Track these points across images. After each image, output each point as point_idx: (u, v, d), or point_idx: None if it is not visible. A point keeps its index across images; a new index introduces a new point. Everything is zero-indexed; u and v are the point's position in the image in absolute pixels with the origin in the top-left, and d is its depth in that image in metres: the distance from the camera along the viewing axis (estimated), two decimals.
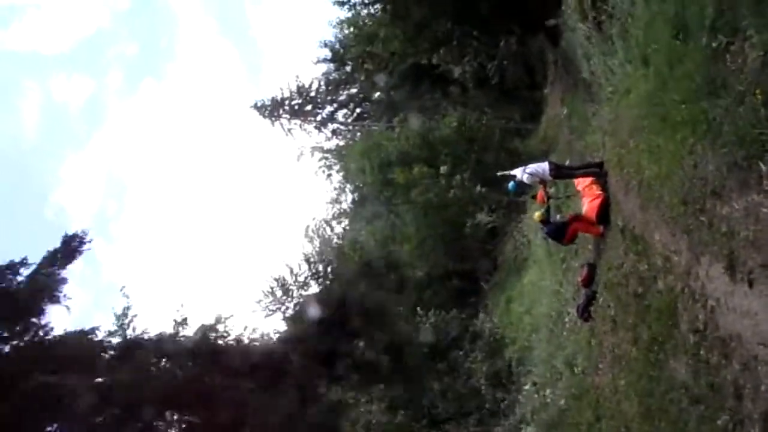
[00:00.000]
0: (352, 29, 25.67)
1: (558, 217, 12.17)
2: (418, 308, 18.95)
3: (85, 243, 13.98)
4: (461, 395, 15.48)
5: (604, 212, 9.76)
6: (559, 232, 10.87)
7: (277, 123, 32.33)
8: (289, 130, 32.58)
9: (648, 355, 6.57)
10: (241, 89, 74.88)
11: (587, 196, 10.42)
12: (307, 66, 75.07)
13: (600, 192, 10.05)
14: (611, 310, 8.73)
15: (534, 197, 11.81)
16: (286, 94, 32.10)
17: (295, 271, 25.67)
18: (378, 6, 19.52)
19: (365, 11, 21.50)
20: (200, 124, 77.19)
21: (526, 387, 13.62)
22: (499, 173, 12.57)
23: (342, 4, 21.71)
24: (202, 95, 76.84)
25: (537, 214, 10.87)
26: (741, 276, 4.42)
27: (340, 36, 29.50)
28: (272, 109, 31.93)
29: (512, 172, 11.19)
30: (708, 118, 5.34)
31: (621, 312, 8.17)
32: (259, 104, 31.98)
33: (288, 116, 32.22)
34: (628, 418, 7.05)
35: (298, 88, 32.24)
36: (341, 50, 30.67)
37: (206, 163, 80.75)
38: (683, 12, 6.30)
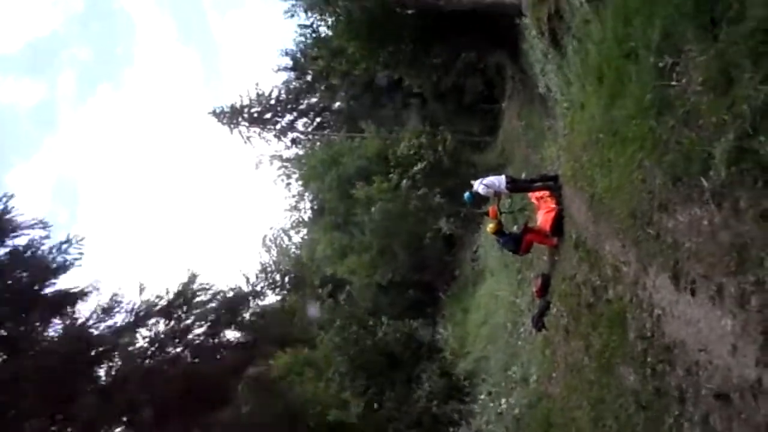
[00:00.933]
0: (313, 42, 25.64)
1: (515, 228, 12.42)
2: (374, 318, 19.01)
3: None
4: (417, 404, 15.55)
5: (558, 224, 10.01)
6: (515, 243, 11.08)
7: (235, 130, 32.01)
8: (248, 137, 32.31)
9: (599, 362, 6.74)
10: (201, 96, 74.01)
11: (542, 209, 10.67)
12: (267, 74, 74.75)
13: (554, 205, 10.31)
14: (564, 320, 8.93)
15: (487, 214, 12.02)
16: (246, 102, 31.88)
17: (251, 281, 25.33)
18: (334, 19, 19.56)
19: (323, 25, 21.59)
20: (158, 131, 75.76)
21: (482, 396, 13.77)
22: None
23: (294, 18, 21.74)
24: (160, 101, 75.57)
25: (491, 226, 11.07)
26: (684, 285, 4.60)
27: (301, 45, 29.41)
28: (231, 116, 31.61)
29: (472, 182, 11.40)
30: (655, 135, 5.56)
31: (573, 321, 8.36)
32: (217, 111, 31.63)
33: (247, 124, 31.95)
34: (579, 425, 7.21)
35: (258, 95, 32.06)
36: (302, 59, 30.62)
37: (163, 171, 79.15)
38: (632, 31, 6.55)
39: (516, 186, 11.27)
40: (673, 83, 5.26)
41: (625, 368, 5.91)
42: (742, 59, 3.81)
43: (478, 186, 11.07)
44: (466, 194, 11.43)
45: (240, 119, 31.93)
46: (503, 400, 11.89)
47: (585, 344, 7.55)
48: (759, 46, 3.60)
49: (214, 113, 31.78)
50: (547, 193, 10.68)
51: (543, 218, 10.50)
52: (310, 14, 21.38)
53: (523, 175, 13.74)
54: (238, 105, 31.90)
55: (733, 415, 3.72)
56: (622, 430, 5.71)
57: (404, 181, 20.18)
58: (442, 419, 14.49)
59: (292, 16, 21.26)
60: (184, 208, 78.23)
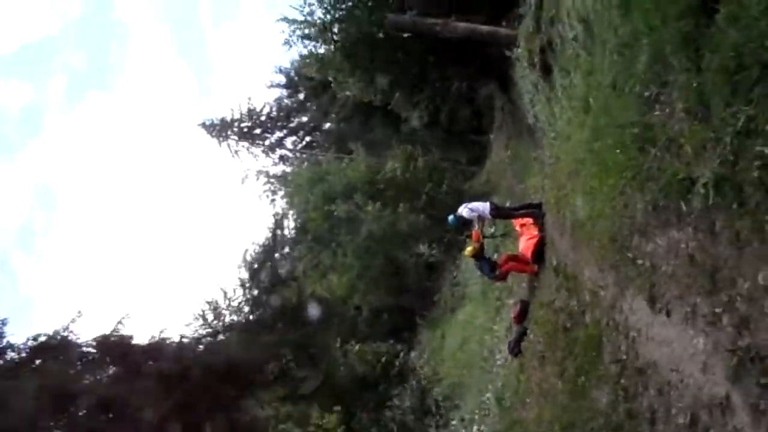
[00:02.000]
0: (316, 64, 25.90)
1: (495, 256, 12.50)
2: (350, 341, 18.89)
3: None
4: (389, 428, 15.40)
5: (539, 251, 10.13)
6: (491, 269, 11.15)
7: (224, 143, 32.04)
8: (236, 151, 32.33)
9: (573, 387, 6.76)
10: (192, 108, 74.01)
11: (524, 235, 10.79)
12: (260, 90, 75.11)
13: (536, 232, 10.44)
14: (541, 346, 8.97)
15: (470, 236, 12.14)
16: (236, 116, 31.98)
17: (229, 295, 25.05)
18: (331, 47, 19.87)
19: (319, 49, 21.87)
20: (146, 141, 75.49)
21: (454, 422, 13.69)
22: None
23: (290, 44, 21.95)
24: (150, 111, 75.50)
25: (469, 249, 11.15)
26: (660, 307, 4.67)
27: (296, 64, 29.68)
28: (221, 129, 31.68)
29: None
30: (638, 163, 5.70)
31: (550, 347, 8.40)
32: (207, 123, 31.68)
33: (236, 138, 32.01)
34: None
35: (249, 110, 32.21)
36: (296, 77, 30.89)
37: (148, 181, 78.67)
38: (620, 62, 6.76)
39: (499, 212, 11.43)
40: (657, 112, 5.43)
41: (598, 391, 5.94)
42: (722, 87, 3.95)
43: (463, 210, 11.23)
44: (450, 217, 11.59)
45: (229, 133, 32.00)
46: (475, 427, 11.84)
47: (560, 369, 7.58)
48: (736, 73, 3.73)
49: (203, 125, 31.85)
50: (530, 220, 10.82)
51: (525, 245, 10.62)
52: (307, 43, 21.61)
53: (507, 204, 13.91)
54: (228, 118, 32.00)
55: None
56: None
57: (401, 204, 20.25)
58: None
59: (290, 47, 21.45)
60: (166, 220, 77.59)
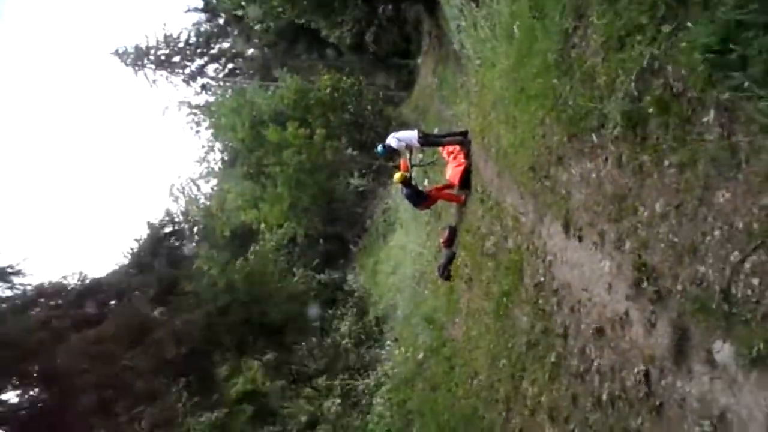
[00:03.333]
0: None
1: (426, 183, 12.78)
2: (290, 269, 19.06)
3: None
4: (328, 353, 15.95)
5: (466, 178, 10.46)
6: (418, 198, 11.43)
7: (141, 73, 30.25)
8: (154, 81, 30.64)
9: (497, 307, 7.25)
10: (105, 35, 68.71)
11: (452, 163, 11.07)
12: (176, 15, 70.41)
13: (464, 159, 10.72)
14: (468, 269, 9.44)
15: (398, 167, 12.30)
16: (152, 43, 30.07)
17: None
18: None
19: None
20: (53, 71, 69.83)
21: (389, 343, 14.35)
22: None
23: None
24: (55, 38, 69.36)
25: (398, 175, 11.32)
26: (574, 233, 5.04)
27: None
28: (136, 58, 29.77)
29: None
30: (556, 93, 5.92)
31: (476, 270, 8.87)
32: (121, 51, 29.67)
33: (153, 66, 30.24)
34: (477, 365, 7.77)
35: (166, 37, 30.33)
36: (214, 1, 29.19)
37: (63, 116, 73.57)
38: None
39: (427, 140, 11.60)
40: (575, 45, 5.61)
41: (518, 311, 6.41)
42: (634, 23, 4.14)
43: (391, 139, 11.33)
44: (379, 147, 11.67)
45: (146, 61, 30.19)
46: (408, 346, 12.48)
47: (485, 291, 8.07)
48: (648, 9, 3.91)
49: (116, 53, 29.83)
50: (457, 148, 11.06)
51: (452, 172, 10.92)
52: None
53: (436, 131, 14.09)
54: (143, 46, 30.10)
55: (604, 345, 4.21)
56: (513, 367, 6.24)
57: (318, 130, 19.98)
58: (353, 364, 14.98)
59: None
60: (87, 155, 73.47)
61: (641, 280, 3.77)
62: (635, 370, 3.76)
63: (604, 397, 4.15)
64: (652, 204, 3.75)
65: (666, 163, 3.66)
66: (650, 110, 3.78)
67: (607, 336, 4.17)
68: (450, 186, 11.22)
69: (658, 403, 3.52)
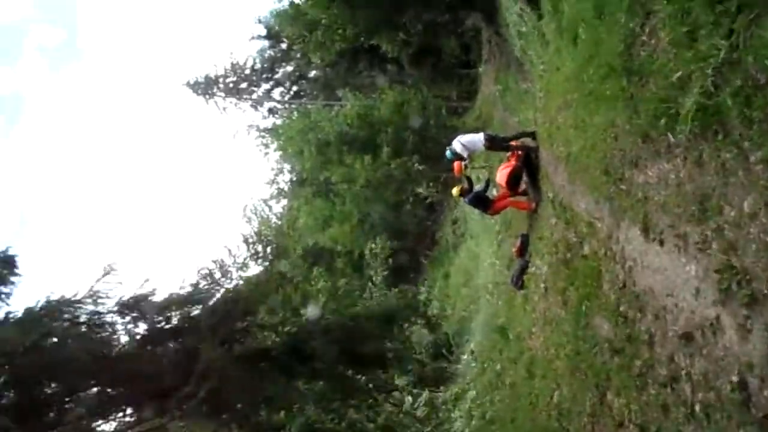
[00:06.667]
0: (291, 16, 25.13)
1: (494, 191, 12.63)
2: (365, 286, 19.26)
3: None
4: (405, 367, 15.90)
5: (514, 179, 10.38)
6: (480, 202, 11.30)
7: (211, 101, 31.63)
8: (224, 108, 31.96)
9: (575, 315, 7.06)
10: (176, 67, 72.32)
11: (502, 166, 10.99)
12: (242, 43, 73.22)
13: (513, 162, 10.61)
14: (543, 277, 9.26)
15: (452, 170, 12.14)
16: (221, 72, 31.43)
17: (233, 252, 25.26)
18: None
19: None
20: (131, 108, 74.06)
21: (464, 357, 14.20)
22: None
23: None
24: (130, 76, 73.60)
25: (455, 190, 11.24)
26: (653, 237, 4.86)
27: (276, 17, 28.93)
28: (206, 87, 31.19)
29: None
30: (626, 94, 5.76)
31: (551, 278, 8.68)
32: (192, 82, 31.16)
33: (223, 94, 31.56)
34: (558, 374, 7.57)
35: (233, 65, 31.62)
36: (276, 27, 30.17)
37: (140, 146, 77.86)
38: None
39: (493, 143, 11.31)
40: (643, 43, 5.45)
41: (599, 319, 6.22)
42: (705, 16, 3.99)
43: (456, 144, 11.19)
44: (447, 151, 11.52)
45: (215, 89, 31.56)
46: (485, 358, 12.32)
47: (562, 299, 7.88)
48: (718, 2, 3.77)
49: (188, 84, 31.35)
50: (514, 154, 10.89)
51: (500, 174, 10.81)
52: None
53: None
54: (212, 75, 31.49)
55: (695, 352, 4.02)
56: (596, 377, 6.04)
57: (386, 148, 20.18)
58: (427, 377, 14.85)
59: None
60: (163, 183, 77.24)
61: (731, 283, 3.60)
62: (731, 379, 3.57)
63: (698, 407, 3.95)
64: (740, 203, 3.58)
65: (752, 159, 3.49)
66: (730, 105, 3.62)
67: (697, 342, 3.99)
68: (518, 192, 11.07)
69: (761, 414, 3.32)
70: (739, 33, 3.57)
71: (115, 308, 10.20)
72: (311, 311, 12.33)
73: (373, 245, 20.70)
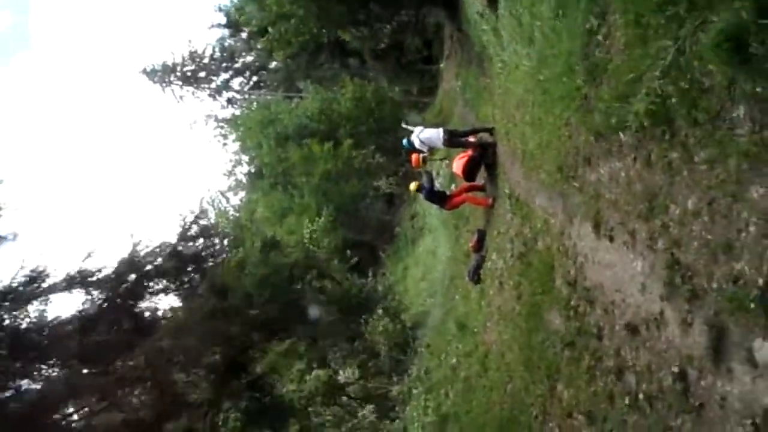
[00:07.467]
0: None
1: (451, 187, 12.75)
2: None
3: None
4: (362, 358, 15.97)
5: (470, 169, 10.52)
6: (435, 196, 11.42)
7: (168, 89, 30.92)
8: (181, 96, 31.29)
9: (529, 309, 7.21)
10: (131, 54, 70.30)
11: (458, 156, 11.14)
12: (201, 31, 71.56)
13: (469, 152, 10.78)
14: (498, 272, 9.40)
15: (409, 160, 12.30)
16: (178, 60, 30.72)
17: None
18: None
19: None
20: (83, 92, 71.64)
21: (421, 349, 14.31)
22: (402, 125, 12.86)
23: None
24: (84, 61, 71.20)
25: (413, 185, 11.36)
26: (604, 233, 5.00)
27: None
28: (163, 75, 30.44)
29: (413, 128, 11.57)
30: (581, 93, 5.89)
31: (507, 273, 8.83)
32: (148, 69, 30.37)
33: (180, 83, 30.88)
34: (511, 368, 7.72)
35: (191, 53, 30.95)
36: (237, 16, 29.64)
37: (94, 134, 75.44)
38: None
39: (453, 139, 11.42)
40: (598, 44, 5.57)
41: (551, 313, 6.37)
42: (656, 20, 4.11)
43: (415, 138, 11.26)
44: (405, 140, 11.60)
45: (172, 78, 30.84)
46: (441, 351, 12.45)
47: (517, 294, 8.03)
48: (670, 4, 3.88)
49: (144, 72, 30.56)
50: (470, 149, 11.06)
51: (456, 164, 10.96)
52: None
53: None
54: (170, 63, 30.76)
55: (640, 345, 4.16)
56: (547, 369, 6.19)
57: (347, 140, 20.12)
58: (386, 369, 14.95)
59: None
60: (116, 170, 75.08)
61: (675, 279, 3.73)
62: (672, 370, 3.71)
63: (641, 397, 4.09)
64: (684, 201, 3.71)
65: (696, 159, 3.62)
66: (677, 107, 3.75)
67: (643, 336, 4.13)
68: (476, 188, 11.22)
69: (698, 403, 3.46)
70: (686, 38, 3.68)
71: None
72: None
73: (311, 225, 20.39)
